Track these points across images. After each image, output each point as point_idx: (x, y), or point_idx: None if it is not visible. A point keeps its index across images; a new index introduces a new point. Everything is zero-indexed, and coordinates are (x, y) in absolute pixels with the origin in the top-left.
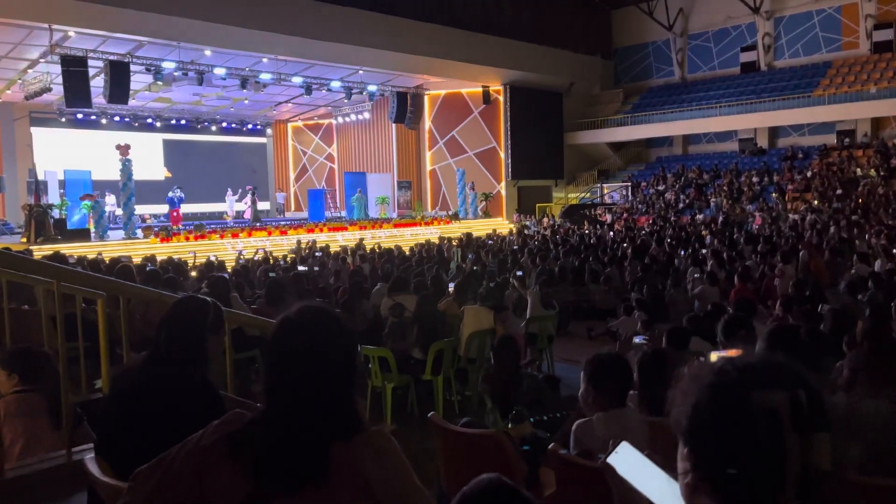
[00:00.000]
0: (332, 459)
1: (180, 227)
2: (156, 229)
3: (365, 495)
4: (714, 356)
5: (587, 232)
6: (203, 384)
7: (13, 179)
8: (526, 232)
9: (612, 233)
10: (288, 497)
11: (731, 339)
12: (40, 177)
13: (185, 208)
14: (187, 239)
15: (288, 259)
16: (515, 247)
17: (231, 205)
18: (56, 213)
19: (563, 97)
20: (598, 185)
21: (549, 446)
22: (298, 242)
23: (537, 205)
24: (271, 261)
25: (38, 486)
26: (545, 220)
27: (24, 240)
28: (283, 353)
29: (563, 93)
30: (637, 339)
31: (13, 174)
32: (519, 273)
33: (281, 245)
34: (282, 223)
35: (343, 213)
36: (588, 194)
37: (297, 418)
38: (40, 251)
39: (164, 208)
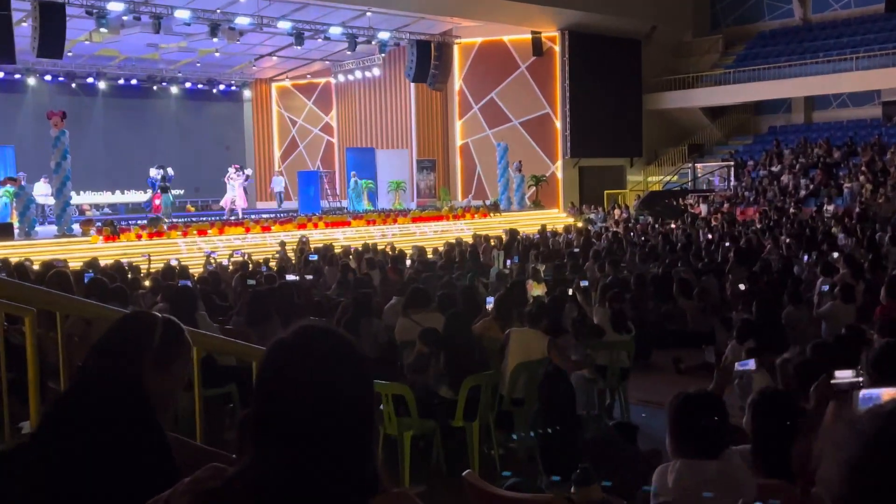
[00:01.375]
0: None
1: (163, 218)
2: (98, 224)
3: None
4: (887, 395)
5: (674, 229)
6: (143, 435)
7: None
8: (591, 228)
9: (707, 230)
10: None
11: (884, 375)
12: None
13: (134, 197)
14: (139, 237)
15: (272, 264)
16: (576, 248)
17: (233, 191)
18: None
19: (641, 46)
20: (690, 164)
21: None
22: (283, 244)
23: (606, 192)
24: (251, 266)
25: None
26: (616, 212)
27: None
28: (278, 390)
29: (641, 40)
30: (741, 366)
31: None
32: (583, 283)
33: (263, 246)
34: (262, 216)
35: (345, 203)
36: (675, 177)
37: (295, 477)
38: None
39: (106, 198)
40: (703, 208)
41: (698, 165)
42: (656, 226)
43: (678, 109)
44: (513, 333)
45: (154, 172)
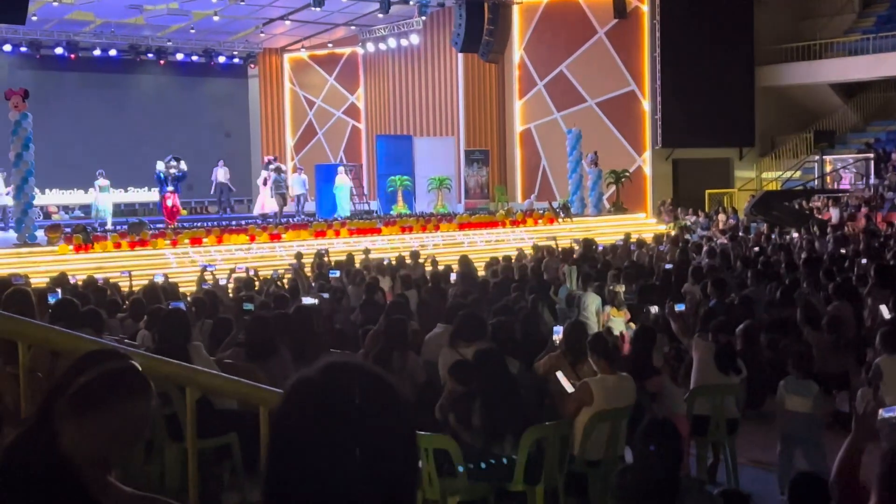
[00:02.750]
0: None
1: (178, 224)
2: (67, 230)
3: None
4: None
5: (796, 239)
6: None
7: None
8: (689, 238)
9: (839, 241)
10: None
11: None
12: None
13: (116, 197)
14: (118, 247)
15: (284, 282)
16: (669, 265)
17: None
18: None
19: (753, 5)
20: (816, 157)
21: None
22: (300, 256)
23: (707, 192)
24: (256, 285)
25: None
26: (721, 217)
27: None
28: (297, 442)
29: None
30: (887, 413)
31: None
32: (678, 307)
33: (272, 258)
34: (270, 222)
35: (375, 205)
36: (798, 173)
37: None
38: None
39: (78, 197)
40: (834, 213)
41: (827, 158)
42: (773, 236)
43: (801, 86)
44: (592, 385)
45: (162, 166)
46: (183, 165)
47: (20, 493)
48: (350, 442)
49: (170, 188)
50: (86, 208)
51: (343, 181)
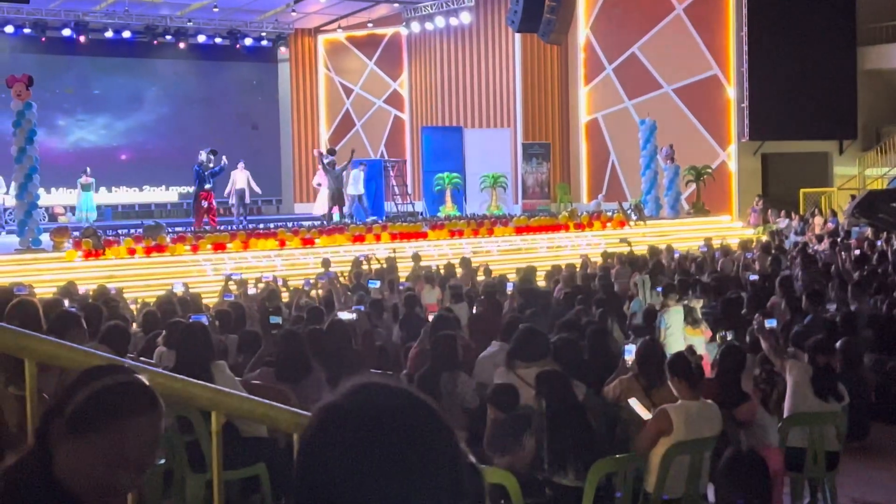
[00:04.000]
0: None
1: (216, 226)
2: (75, 234)
3: None
4: None
5: None
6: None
7: None
8: (780, 244)
9: None
10: None
11: None
12: None
13: (119, 197)
14: (132, 253)
15: (317, 293)
16: (754, 276)
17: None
18: None
19: None
20: None
21: None
22: (328, 263)
23: (802, 191)
24: (284, 296)
25: None
26: (818, 220)
27: None
28: (329, 473)
29: None
30: None
31: None
32: (769, 324)
33: (304, 266)
34: (303, 225)
35: (420, 206)
36: None
37: None
38: None
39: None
40: None
41: None
42: (878, 242)
43: None
44: (672, 412)
45: (204, 156)
46: (224, 160)
47: None
48: (384, 475)
49: (207, 185)
50: (101, 209)
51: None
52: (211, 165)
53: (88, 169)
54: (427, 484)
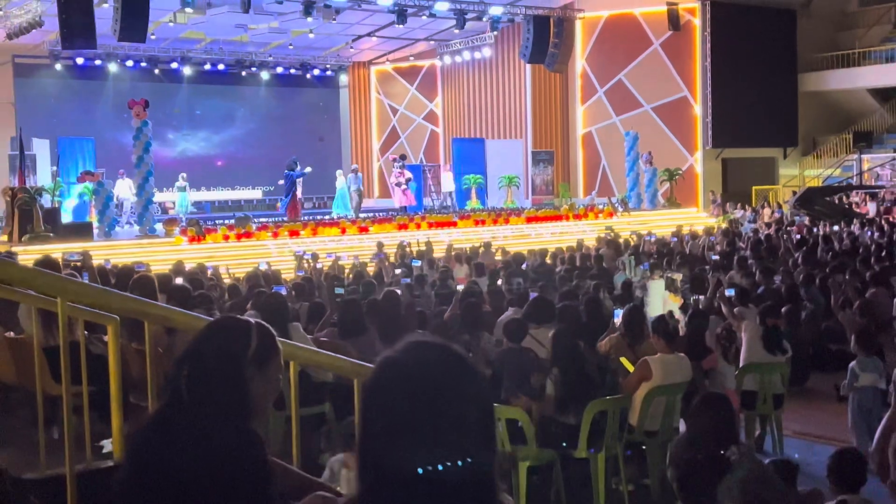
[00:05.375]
0: None
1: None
2: (182, 223)
3: None
4: None
5: (836, 231)
6: (244, 442)
7: None
8: (737, 230)
9: (875, 233)
10: None
11: None
12: (27, 148)
13: (216, 195)
14: (226, 238)
15: (369, 269)
16: (716, 255)
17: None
18: (47, 201)
19: (796, 17)
20: (855, 156)
21: None
22: (381, 245)
23: (754, 188)
24: (346, 272)
25: None
26: (766, 211)
27: (6, 237)
28: (388, 412)
29: (797, 10)
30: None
31: None
32: (728, 293)
33: (360, 249)
34: (360, 216)
35: (450, 201)
36: (838, 171)
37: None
38: (27, 253)
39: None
40: (872, 207)
41: (865, 157)
42: (815, 227)
43: (841, 91)
44: (652, 363)
45: (295, 166)
46: (308, 169)
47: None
48: (432, 412)
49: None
50: (200, 204)
51: (341, 184)
52: (297, 169)
53: (184, 174)
54: (463, 415)
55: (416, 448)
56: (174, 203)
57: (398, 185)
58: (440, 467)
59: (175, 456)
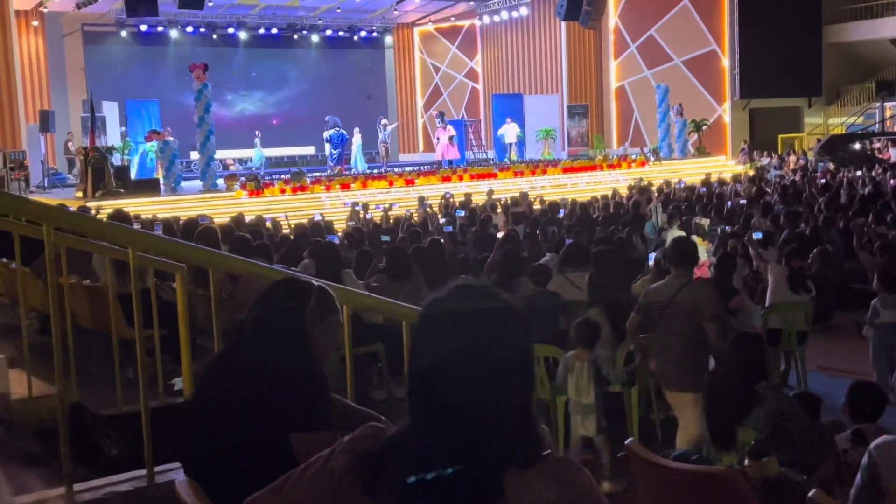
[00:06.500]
0: (505, 495)
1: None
2: (241, 179)
3: None
4: None
5: (859, 176)
6: (307, 375)
7: (64, 114)
8: (763, 177)
9: None
10: None
11: None
12: (97, 111)
13: (272, 152)
14: (283, 192)
15: (414, 218)
16: (744, 200)
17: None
18: (117, 159)
19: None
20: (877, 104)
21: (810, 494)
22: (422, 199)
23: (780, 136)
24: (391, 221)
25: None
26: (792, 158)
27: (80, 194)
28: (435, 354)
29: None
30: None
31: (63, 107)
32: (755, 236)
33: (407, 200)
34: (406, 169)
35: (491, 154)
36: (860, 119)
37: (455, 441)
38: (99, 208)
39: (247, 152)
40: (893, 153)
41: (887, 105)
42: (839, 173)
43: (864, 42)
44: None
45: (332, 128)
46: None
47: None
48: (475, 351)
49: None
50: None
51: (357, 141)
52: (332, 132)
53: (259, 132)
54: (504, 353)
55: (460, 384)
56: (251, 158)
57: (449, 139)
58: (482, 402)
59: (239, 386)
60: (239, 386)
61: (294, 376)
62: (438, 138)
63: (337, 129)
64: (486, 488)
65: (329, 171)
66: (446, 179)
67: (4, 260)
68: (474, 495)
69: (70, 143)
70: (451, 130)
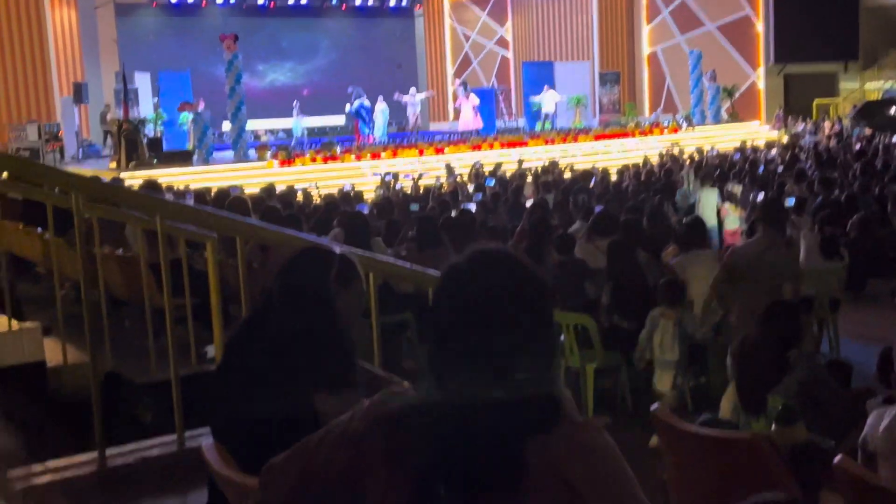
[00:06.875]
0: (525, 458)
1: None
2: (273, 149)
3: None
4: None
5: (895, 143)
6: (333, 340)
7: (97, 86)
8: (798, 143)
9: None
10: None
11: None
12: (129, 82)
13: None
14: (314, 161)
15: (444, 188)
16: (780, 166)
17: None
18: (150, 130)
19: None
20: None
21: (836, 459)
22: (449, 167)
23: (815, 101)
24: (420, 190)
25: (146, 478)
26: (827, 124)
27: (114, 164)
28: (453, 314)
29: None
30: None
31: (97, 79)
32: (789, 202)
33: (438, 168)
34: (436, 138)
35: (521, 122)
36: None
37: (475, 404)
38: (133, 179)
39: (280, 122)
40: None
41: None
42: (874, 139)
43: None
44: (679, 261)
45: (356, 99)
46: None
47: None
48: (494, 314)
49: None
50: (287, 131)
51: (382, 107)
52: (361, 101)
53: (297, 101)
54: (523, 317)
55: (479, 347)
56: (290, 128)
57: (473, 107)
58: (500, 364)
59: (265, 351)
60: (265, 351)
61: (320, 342)
62: (461, 106)
63: (361, 99)
64: (507, 451)
65: (363, 142)
66: (476, 148)
67: (40, 230)
68: (494, 458)
69: (108, 115)
70: (475, 99)
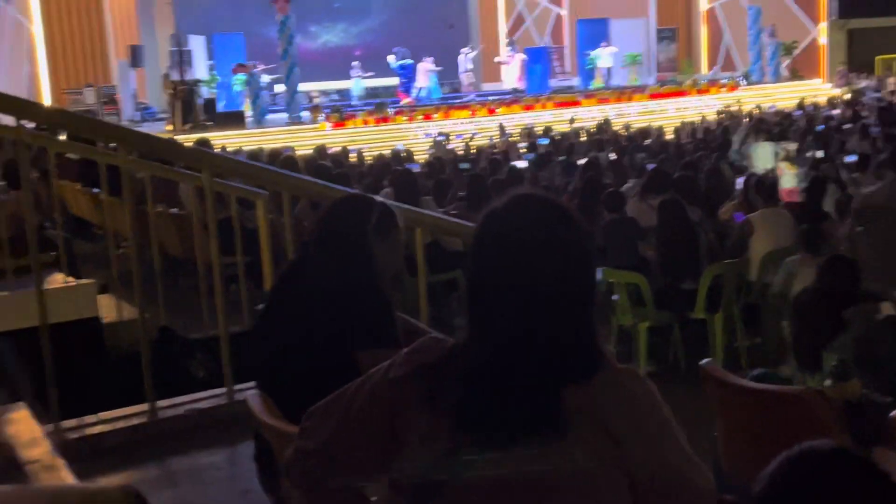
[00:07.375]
0: (564, 406)
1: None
2: (325, 111)
3: (607, 454)
4: None
5: None
6: (371, 290)
7: (153, 49)
8: (861, 99)
9: None
10: (505, 452)
11: None
12: (184, 45)
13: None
14: (366, 123)
15: (497, 147)
16: (846, 125)
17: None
18: (205, 92)
19: None
20: None
21: (892, 414)
22: (502, 127)
23: (878, 57)
24: (472, 150)
25: (196, 431)
26: (891, 80)
27: (170, 127)
28: (490, 259)
29: None
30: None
31: (152, 42)
32: (849, 159)
33: (489, 130)
34: (489, 98)
35: (575, 81)
36: None
37: (513, 351)
38: (188, 141)
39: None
40: None
41: None
42: None
43: None
44: (753, 218)
45: (399, 58)
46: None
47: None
48: (533, 259)
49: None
50: (341, 92)
51: (429, 67)
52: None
53: (356, 63)
54: (565, 261)
55: (519, 290)
56: (345, 88)
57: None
58: (540, 312)
59: (304, 301)
60: (304, 301)
61: (358, 291)
62: (509, 64)
63: (405, 59)
64: (545, 398)
65: (402, 102)
66: (529, 108)
67: (96, 191)
68: (533, 405)
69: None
70: (522, 57)
